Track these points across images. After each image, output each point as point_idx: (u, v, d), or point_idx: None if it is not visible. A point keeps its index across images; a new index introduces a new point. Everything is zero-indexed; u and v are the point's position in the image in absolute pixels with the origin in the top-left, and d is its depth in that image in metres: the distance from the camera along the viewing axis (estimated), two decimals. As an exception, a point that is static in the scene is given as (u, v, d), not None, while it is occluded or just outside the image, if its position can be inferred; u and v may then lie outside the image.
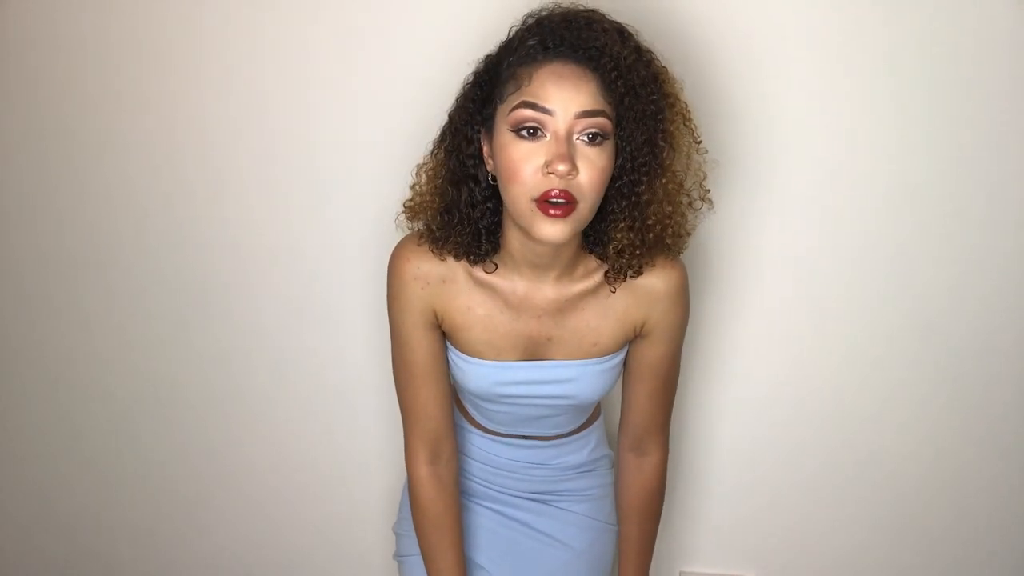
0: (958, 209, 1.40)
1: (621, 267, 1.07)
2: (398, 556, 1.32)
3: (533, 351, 1.12)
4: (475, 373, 1.13)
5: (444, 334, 1.14)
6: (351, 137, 1.43)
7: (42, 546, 1.68)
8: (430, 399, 1.14)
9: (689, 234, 1.11)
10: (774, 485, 1.53)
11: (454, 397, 1.27)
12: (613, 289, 1.10)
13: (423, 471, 1.16)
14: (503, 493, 1.26)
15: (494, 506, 1.26)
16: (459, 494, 1.21)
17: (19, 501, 1.66)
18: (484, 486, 1.26)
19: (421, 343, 1.12)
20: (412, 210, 1.13)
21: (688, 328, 1.44)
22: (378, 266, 1.45)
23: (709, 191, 1.10)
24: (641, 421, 1.21)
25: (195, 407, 1.58)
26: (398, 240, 1.16)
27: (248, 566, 1.65)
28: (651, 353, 1.15)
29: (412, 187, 1.12)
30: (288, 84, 1.42)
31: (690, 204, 1.08)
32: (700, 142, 1.08)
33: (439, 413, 1.15)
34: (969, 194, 1.39)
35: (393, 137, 1.39)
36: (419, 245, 1.10)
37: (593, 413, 1.29)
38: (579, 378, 1.13)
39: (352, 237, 1.46)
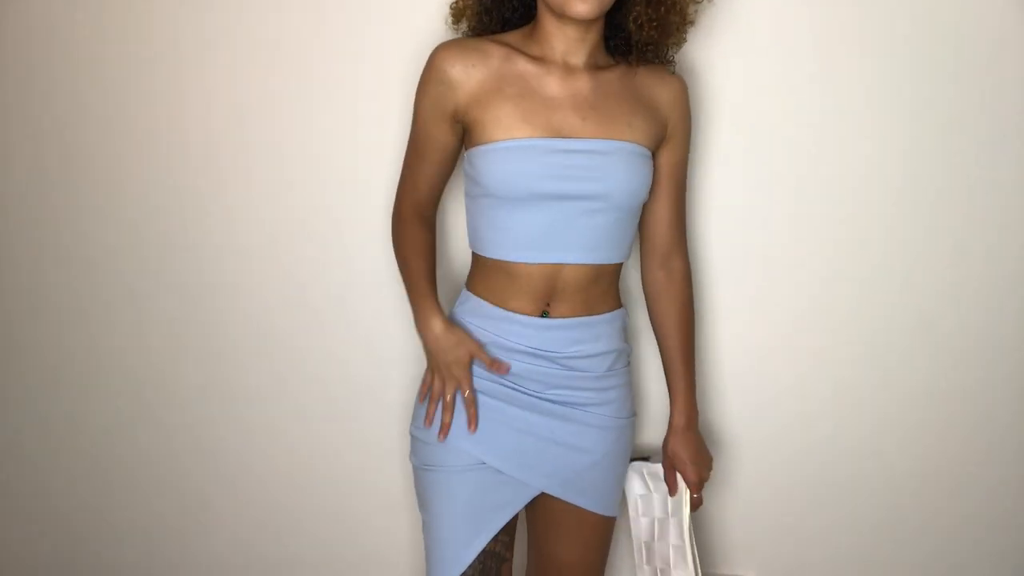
0: (960, 209, 1.40)
1: (640, 41, 1.21)
2: (412, 459, 1.31)
3: (567, 134, 1.17)
4: (506, 158, 1.15)
5: (468, 134, 1.20)
6: (353, 136, 1.43)
7: (42, 546, 1.68)
8: (425, 177, 1.26)
9: (693, 22, 1.27)
10: (774, 485, 1.53)
11: (475, 273, 1.28)
12: (634, 67, 1.24)
13: (403, 210, 1.29)
14: (521, 392, 1.24)
15: (515, 411, 1.24)
16: (432, 230, 1.30)
17: (19, 501, 1.66)
18: (501, 383, 1.24)
19: (431, 128, 1.21)
20: (456, 12, 1.28)
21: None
22: (380, 265, 1.46)
23: None
24: (666, 232, 1.30)
25: (196, 407, 1.58)
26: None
27: (248, 566, 1.64)
28: (673, 158, 1.27)
29: None
30: (290, 83, 1.43)
31: None
32: None
33: (428, 192, 1.27)
34: (971, 194, 1.39)
35: (395, 136, 1.39)
36: (458, 40, 1.22)
37: (615, 294, 1.29)
38: (612, 158, 1.17)
39: (354, 237, 1.46)
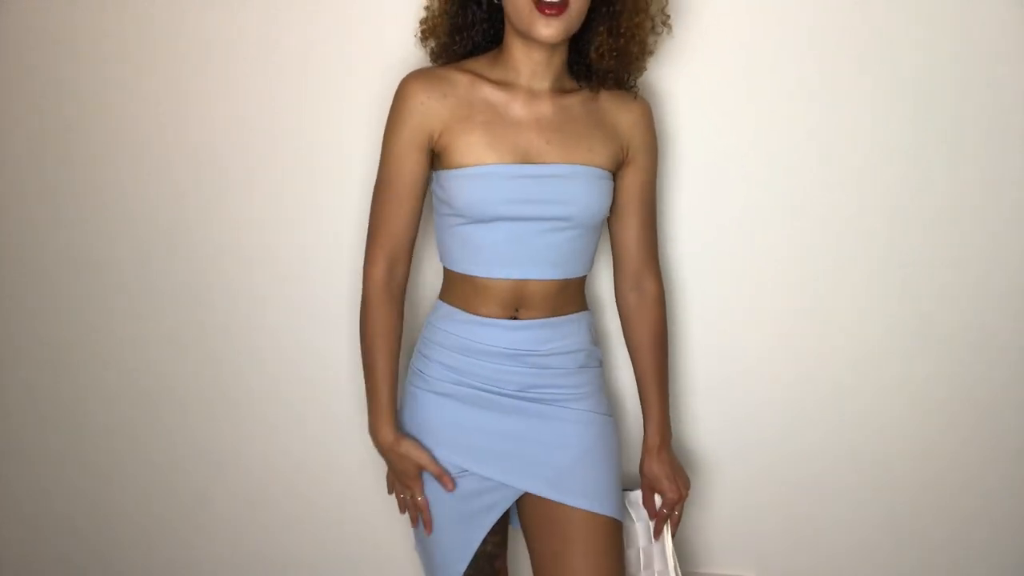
0: (958, 208, 1.40)
1: (601, 69, 1.25)
2: None
3: (533, 158, 1.21)
4: (476, 183, 1.20)
5: (439, 156, 1.23)
6: (345, 139, 1.43)
7: (43, 546, 1.68)
8: (400, 216, 1.25)
9: (651, 53, 1.30)
10: (774, 486, 1.53)
11: (446, 285, 1.31)
12: (596, 92, 1.27)
13: (379, 278, 1.26)
14: (497, 394, 1.26)
15: (493, 415, 1.26)
16: (402, 310, 1.29)
17: (19, 501, 1.67)
18: (477, 387, 1.26)
19: (407, 161, 1.23)
20: (425, 31, 1.30)
21: (688, 328, 1.47)
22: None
23: (669, 17, 1.29)
24: (637, 254, 1.34)
25: (193, 407, 1.58)
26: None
27: (248, 566, 1.65)
28: (638, 180, 1.30)
29: (425, 8, 1.30)
30: (282, 87, 1.43)
31: (653, 28, 1.27)
32: None
33: (404, 232, 1.26)
34: (970, 193, 1.40)
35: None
36: (425, 71, 1.25)
37: (581, 298, 1.33)
38: (575, 181, 1.22)
39: (346, 239, 1.46)
